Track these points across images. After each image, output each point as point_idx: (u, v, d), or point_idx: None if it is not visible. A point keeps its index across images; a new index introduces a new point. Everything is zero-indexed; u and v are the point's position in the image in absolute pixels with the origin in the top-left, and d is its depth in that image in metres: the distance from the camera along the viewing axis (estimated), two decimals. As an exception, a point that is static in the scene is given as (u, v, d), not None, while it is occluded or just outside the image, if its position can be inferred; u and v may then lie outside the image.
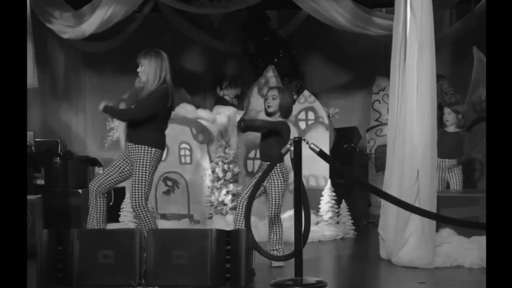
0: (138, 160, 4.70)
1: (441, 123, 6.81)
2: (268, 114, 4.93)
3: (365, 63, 8.61)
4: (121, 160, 4.87)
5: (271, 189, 4.82)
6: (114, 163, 4.89)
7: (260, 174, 4.73)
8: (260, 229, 5.19)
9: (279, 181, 4.82)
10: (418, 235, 4.79)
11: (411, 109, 4.84)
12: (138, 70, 4.84)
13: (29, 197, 5.58)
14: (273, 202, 4.84)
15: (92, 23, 7.13)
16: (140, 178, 4.69)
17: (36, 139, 7.27)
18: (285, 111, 4.91)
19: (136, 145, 4.72)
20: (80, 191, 6.46)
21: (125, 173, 4.86)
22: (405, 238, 4.81)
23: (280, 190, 4.83)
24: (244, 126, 4.99)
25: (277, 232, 4.91)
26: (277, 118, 4.89)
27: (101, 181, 4.83)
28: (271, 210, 4.87)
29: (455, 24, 8.05)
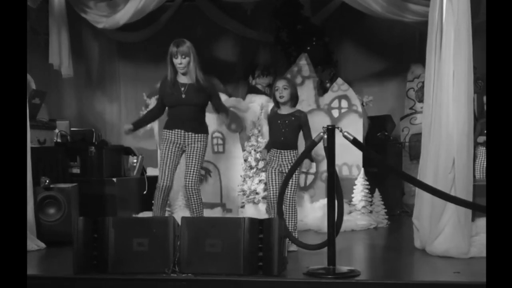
0: (199, 147, 5.14)
1: (482, 112, 6.64)
2: (278, 104, 5.07)
3: (400, 51, 8.49)
4: (173, 152, 5.16)
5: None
6: (169, 157, 5.15)
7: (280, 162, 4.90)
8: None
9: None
10: (453, 225, 4.72)
11: (447, 97, 4.76)
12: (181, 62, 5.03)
13: (65, 185, 5.70)
14: (292, 185, 4.94)
15: (125, 12, 7.18)
16: (199, 163, 5.17)
17: (71, 129, 7.38)
18: (295, 99, 5.12)
19: (198, 134, 5.16)
20: (114, 179, 6.54)
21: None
22: (440, 228, 4.74)
23: (296, 175, 4.99)
24: None
25: (292, 218, 5.02)
26: (288, 107, 5.05)
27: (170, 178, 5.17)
28: (288, 195, 4.96)
29: (492, 10, 7.86)
